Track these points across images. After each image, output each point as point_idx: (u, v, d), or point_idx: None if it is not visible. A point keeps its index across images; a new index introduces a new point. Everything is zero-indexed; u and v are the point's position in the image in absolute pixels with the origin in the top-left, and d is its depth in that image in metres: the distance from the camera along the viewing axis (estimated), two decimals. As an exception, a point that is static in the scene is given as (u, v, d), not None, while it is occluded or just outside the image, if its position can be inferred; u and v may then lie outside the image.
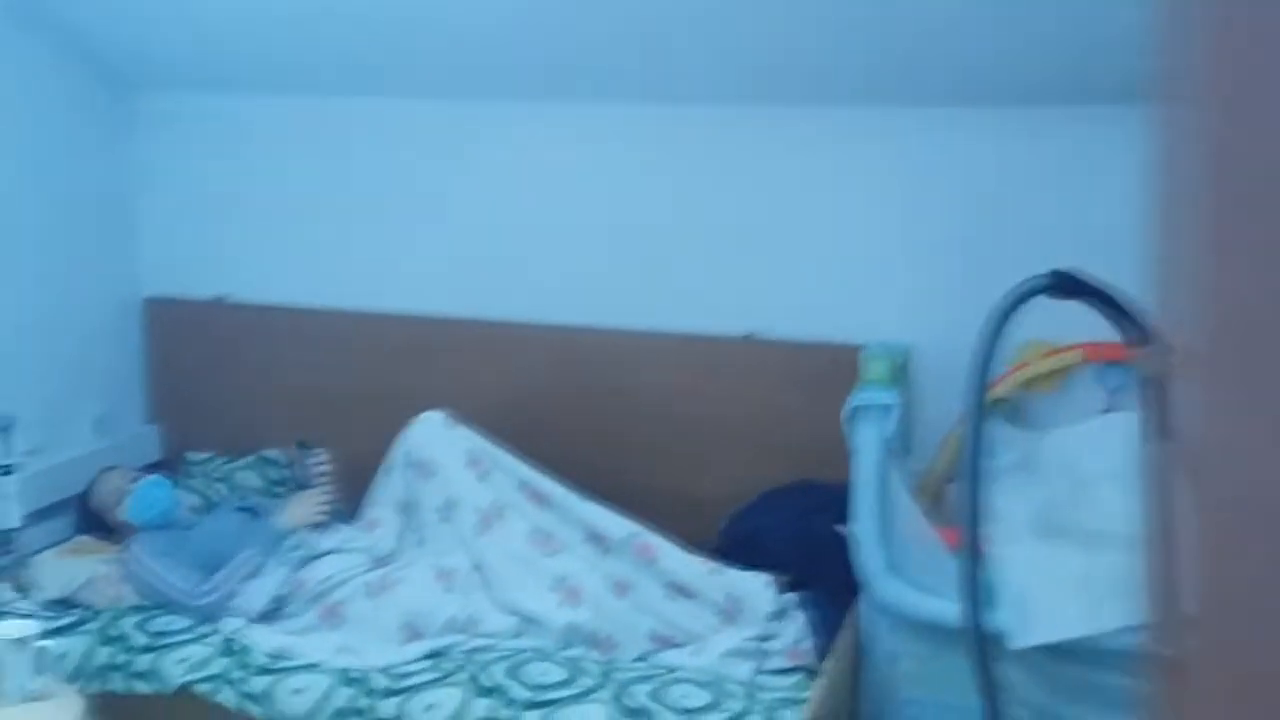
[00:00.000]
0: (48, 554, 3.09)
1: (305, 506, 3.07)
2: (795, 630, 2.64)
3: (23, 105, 3.22)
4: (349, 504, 3.20)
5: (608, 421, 3.27)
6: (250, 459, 3.56)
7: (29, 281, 3.27)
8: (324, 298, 3.50)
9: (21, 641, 2.28)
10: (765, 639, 2.65)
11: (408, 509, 3.03)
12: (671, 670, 2.63)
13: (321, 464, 3.16)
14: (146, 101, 3.56)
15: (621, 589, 2.79)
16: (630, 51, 2.95)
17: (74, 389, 3.44)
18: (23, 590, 2.98)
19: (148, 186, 3.62)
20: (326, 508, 3.06)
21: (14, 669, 2.29)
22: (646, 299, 3.23)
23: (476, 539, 2.92)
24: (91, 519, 3.21)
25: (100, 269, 3.56)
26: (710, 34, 2.80)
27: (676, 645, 2.72)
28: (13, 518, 2.81)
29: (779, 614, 2.70)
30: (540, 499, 2.96)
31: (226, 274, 3.60)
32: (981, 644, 1.69)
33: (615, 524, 2.89)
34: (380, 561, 2.96)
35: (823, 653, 2.62)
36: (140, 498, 3.14)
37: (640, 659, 2.70)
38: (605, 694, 2.52)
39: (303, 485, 3.23)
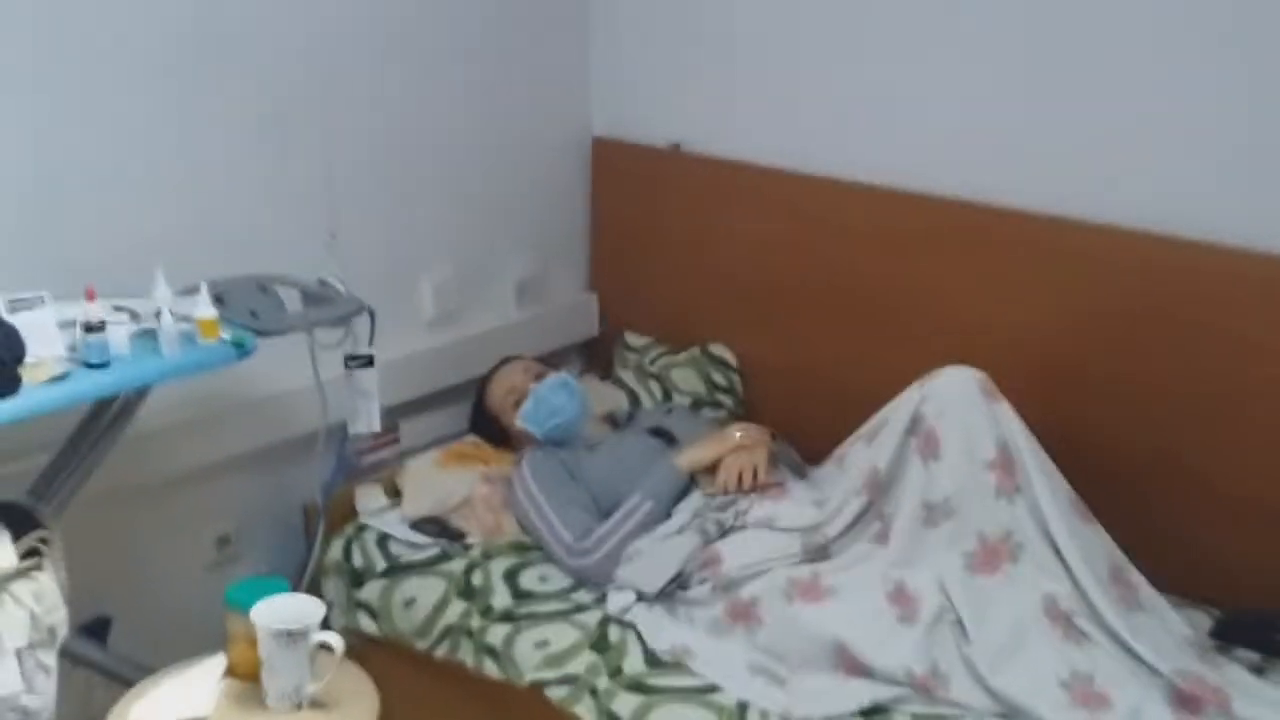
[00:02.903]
0: (426, 457, 2.51)
1: (732, 466, 2.27)
2: None
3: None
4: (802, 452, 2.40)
5: (1175, 377, 2.18)
6: (692, 352, 2.81)
7: (452, 111, 2.63)
8: (810, 159, 2.62)
9: (291, 635, 1.67)
10: None
11: (885, 489, 2.08)
12: None
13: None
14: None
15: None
16: None
17: (497, 247, 2.81)
18: (394, 496, 2.45)
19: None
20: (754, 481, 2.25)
21: (284, 669, 1.69)
22: (1246, 201, 2.12)
23: (965, 574, 1.97)
24: (485, 418, 2.60)
25: (543, 99, 2.86)
26: None
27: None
28: (371, 419, 2.23)
29: None
30: (1066, 566, 1.95)
31: (686, 116, 2.82)
32: None
33: (1161, 650, 1.87)
34: (813, 552, 2.10)
35: None
36: (541, 401, 2.47)
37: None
38: None
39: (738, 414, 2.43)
